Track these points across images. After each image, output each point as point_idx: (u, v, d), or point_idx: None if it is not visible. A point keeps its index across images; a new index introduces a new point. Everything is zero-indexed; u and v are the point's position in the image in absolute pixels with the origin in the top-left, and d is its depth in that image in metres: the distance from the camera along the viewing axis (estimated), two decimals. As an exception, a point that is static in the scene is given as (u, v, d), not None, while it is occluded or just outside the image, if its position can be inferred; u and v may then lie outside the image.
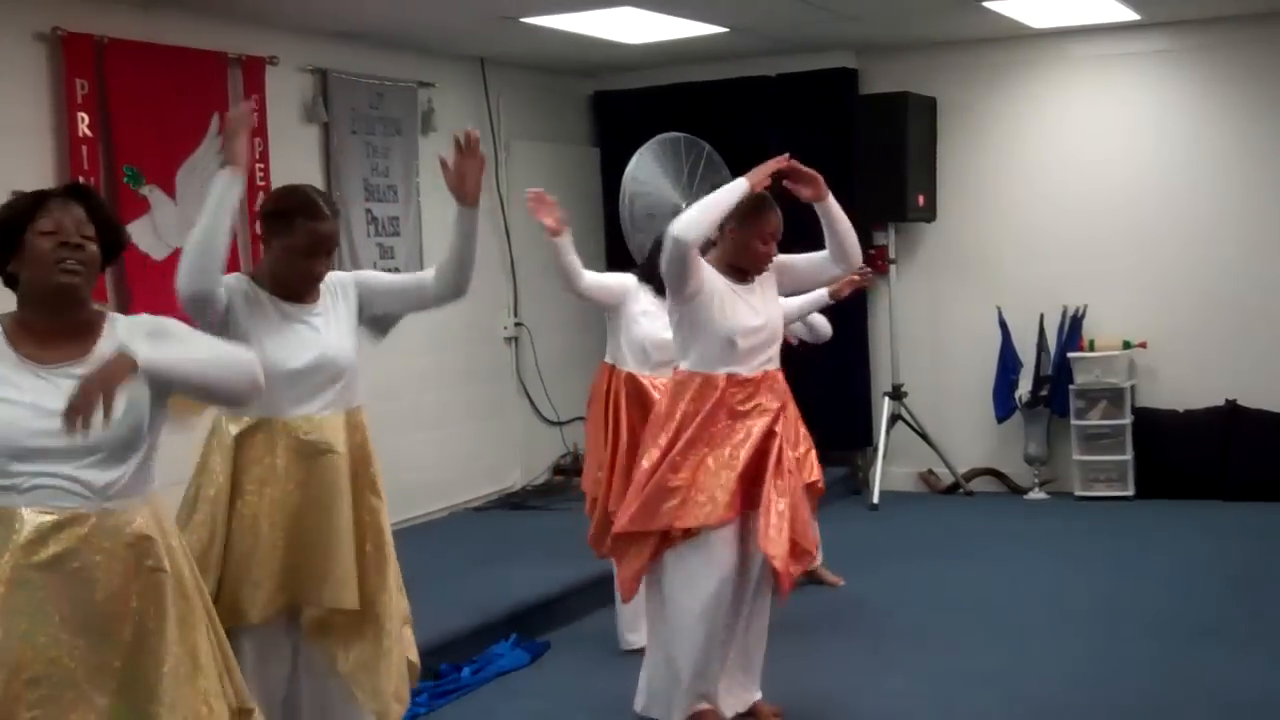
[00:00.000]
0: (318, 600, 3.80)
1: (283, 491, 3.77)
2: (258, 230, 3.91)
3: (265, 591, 3.75)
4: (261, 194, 7.18)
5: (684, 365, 4.76)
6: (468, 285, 4.28)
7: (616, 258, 9.37)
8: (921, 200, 9.08)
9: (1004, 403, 9.02)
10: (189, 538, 3.54)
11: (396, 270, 8.18)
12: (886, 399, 9.13)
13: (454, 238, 4.24)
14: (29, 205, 3.03)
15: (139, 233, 6.56)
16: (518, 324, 9.22)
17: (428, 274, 4.26)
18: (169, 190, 6.73)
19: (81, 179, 6.20)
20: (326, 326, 3.92)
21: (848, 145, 9.05)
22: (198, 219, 3.72)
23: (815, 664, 5.62)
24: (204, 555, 3.67)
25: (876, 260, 9.39)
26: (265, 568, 3.75)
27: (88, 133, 6.30)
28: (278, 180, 7.27)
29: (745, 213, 4.73)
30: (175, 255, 6.57)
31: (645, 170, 8.35)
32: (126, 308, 6.46)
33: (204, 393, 3.16)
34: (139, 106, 6.56)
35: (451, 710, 5.33)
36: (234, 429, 3.81)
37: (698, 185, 8.51)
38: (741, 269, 4.82)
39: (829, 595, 6.67)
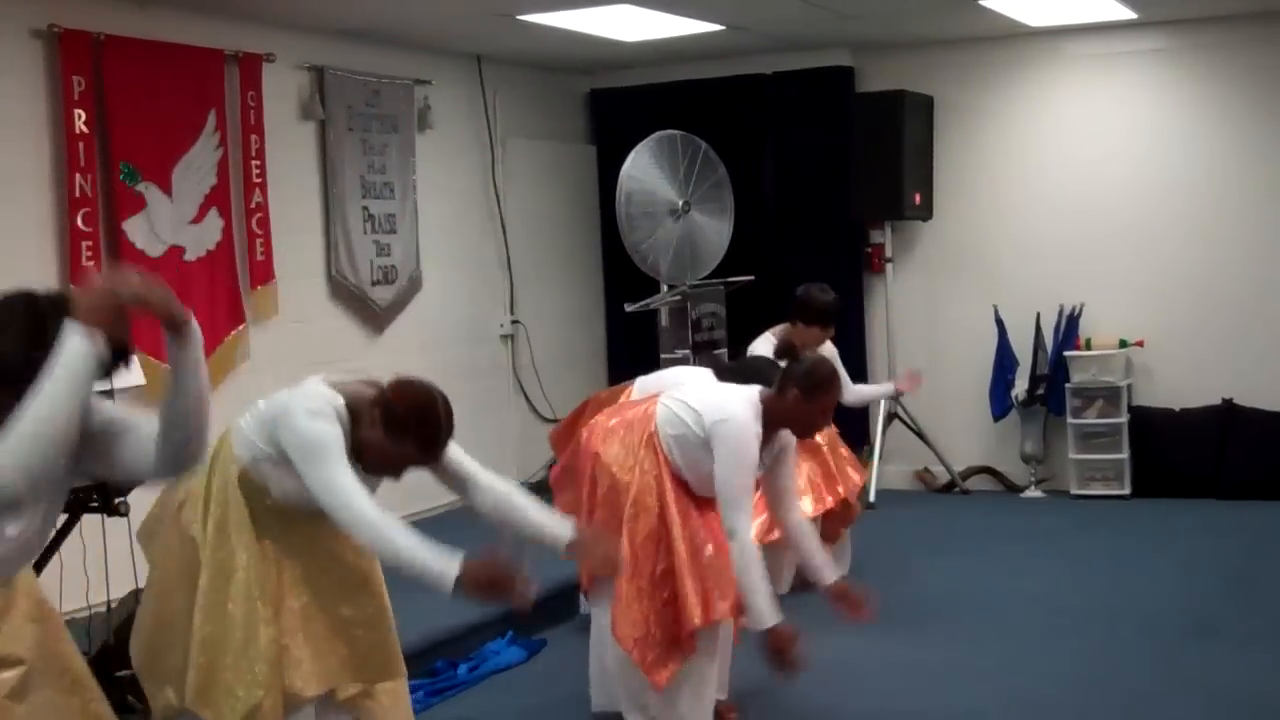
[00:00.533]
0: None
1: None
2: (375, 414, 3.53)
3: None
4: (258, 192, 7.20)
5: None
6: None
7: (612, 256, 9.39)
8: (918, 199, 9.07)
9: (1000, 401, 9.02)
10: None
11: (393, 269, 8.19)
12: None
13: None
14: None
15: (135, 229, 6.58)
16: (514, 321, 9.21)
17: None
18: (165, 187, 6.73)
19: (77, 176, 6.23)
20: None
21: (844, 143, 9.06)
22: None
23: (810, 661, 5.61)
24: None
25: (872, 259, 9.42)
26: None
27: (84, 129, 6.29)
28: (274, 178, 7.29)
29: (815, 386, 4.55)
30: (170, 251, 6.72)
31: (642, 168, 8.37)
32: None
33: None
34: (135, 103, 6.56)
35: (447, 708, 5.33)
36: None
37: (694, 183, 8.53)
38: (778, 429, 4.66)
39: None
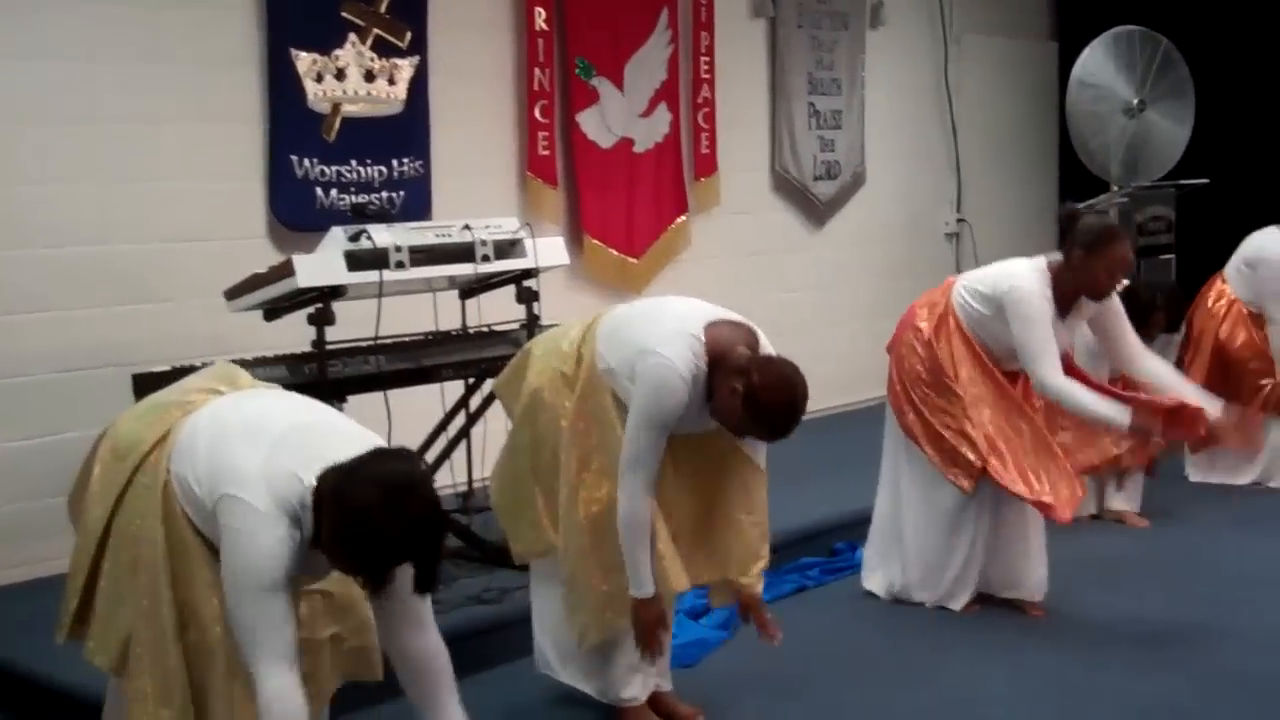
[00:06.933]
0: None
1: None
2: (739, 385, 3.58)
3: None
4: (705, 87, 7.51)
5: None
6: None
7: (1067, 157, 9.20)
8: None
9: None
10: None
11: (836, 164, 8.36)
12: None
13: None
14: (378, 566, 2.80)
15: (588, 121, 7.01)
16: (960, 220, 9.21)
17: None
18: (617, 81, 7.11)
19: (537, 70, 6.69)
20: None
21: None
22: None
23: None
24: None
25: None
26: None
27: (544, 27, 6.73)
28: (721, 74, 7.57)
29: (1095, 241, 4.55)
30: (621, 143, 7.12)
31: (1096, 63, 8.18)
32: (575, 192, 6.93)
33: None
34: (592, 1, 6.95)
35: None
36: None
37: (1152, 81, 8.24)
38: (1074, 296, 4.68)
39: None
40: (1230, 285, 6.74)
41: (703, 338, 3.65)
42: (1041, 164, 9.79)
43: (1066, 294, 4.67)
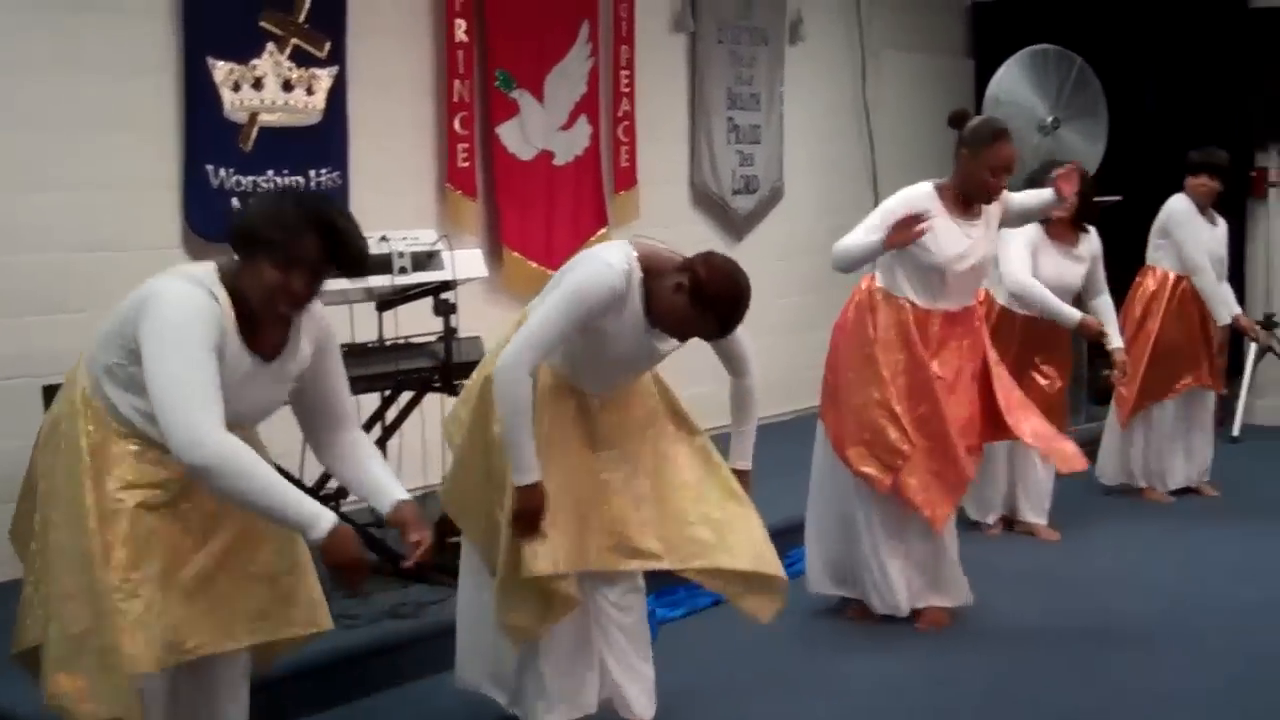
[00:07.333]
0: None
1: None
2: (684, 281, 3.64)
3: None
4: (625, 100, 7.53)
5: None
6: None
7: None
8: (1311, 121, 8.64)
9: (1389, 340, 8.53)
10: None
11: (755, 179, 8.41)
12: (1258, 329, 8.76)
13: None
14: (279, 233, 3.03)
15: (508, 133, 6.98)
16: (877, 235, 9.26)
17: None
18: (538, 95, 7.10)
19: (457, 82, 6.67)
20: None
21: (1234, 62, 8.71)
22: None
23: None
24: None
25: (1256, 183, 9.01)
26: None
27: (464, 38, 6.71)
28: (642, 88, 7.58)
29: (977, 140, 4.75)
30: (540, 155, 7.11)
31: (1011, 81, 8.27)
32: (494, 205, 6.92)
33: None
34: (513, 13, 6.92)
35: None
36: None
37: (1066, 99, 8.35)
38: (968, 200, 4.88)
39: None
40: (1160, 265, 7.05)
41: (635, 250, 3.71)
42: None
43: (958, 198, 4.87)
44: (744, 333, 3.93)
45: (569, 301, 3.61)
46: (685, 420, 4.06)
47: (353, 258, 3.11)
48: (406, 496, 3.28)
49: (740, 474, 4.05)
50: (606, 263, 3.65)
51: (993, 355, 5.12)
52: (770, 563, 3.91)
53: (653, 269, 3.69)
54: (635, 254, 3.69)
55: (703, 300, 3.61)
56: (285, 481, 3.01)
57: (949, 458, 4.91)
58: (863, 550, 5.05)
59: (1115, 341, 6.16)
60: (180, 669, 3.16)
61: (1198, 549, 6.20)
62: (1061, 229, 6.23)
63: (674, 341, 3.80)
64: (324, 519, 2.98)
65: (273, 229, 3.03)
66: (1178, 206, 6.98)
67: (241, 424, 3.09)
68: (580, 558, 3.81)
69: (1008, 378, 5.16)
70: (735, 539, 3.90)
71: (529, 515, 3.68)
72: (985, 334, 5.17)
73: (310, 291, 3.08)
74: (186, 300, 2.97)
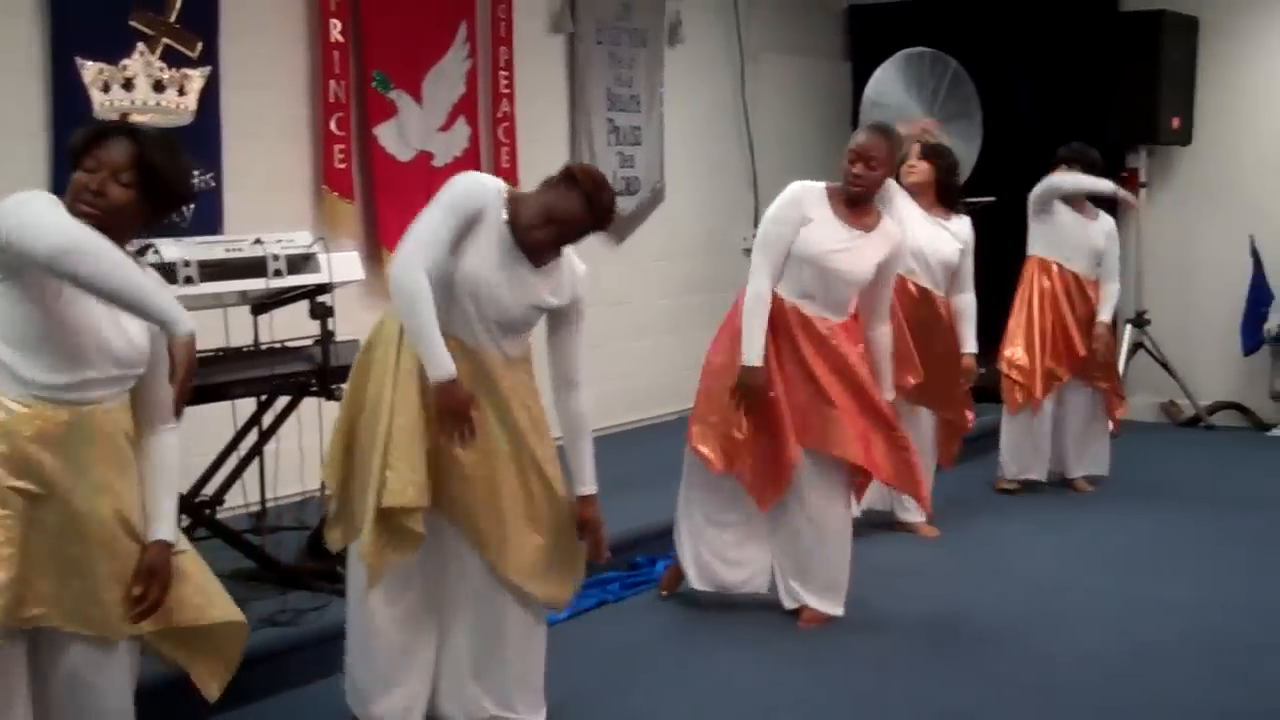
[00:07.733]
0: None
1: None
2: (550, 179, 3.93)
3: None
4: (505, 102, 7.49)
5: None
6: None
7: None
8: (1176, 123, 8.84)
9: (1251, 336, 8.75)
10: None
11: (636, 180, 8.42)
12: (1129, 326, 8.95)
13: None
14: (88, 138, 3.15)
15: (386, 134, 6.91)
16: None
17: None
18: (415, 95, 7.03)
19: (332, 83, 6.59)
20: None
21: (1102, 64, 8.89)
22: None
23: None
24: None
25: (1126, 184, 9.18)
26: None
27: (339, 38, 6.62)
28: (521, 89, 7.55)
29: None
30: (419, 157, 7.05)
31: (887, 84, 8.35)
32: (373, 206, 6.85)
33: None
34: (389, 13, 6.86)
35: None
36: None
37: (942, 102, 8.46)
38: (850, 201, 5.11)
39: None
40: (1042, 252, 7.30)
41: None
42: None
43: (846, 201, 5.10)
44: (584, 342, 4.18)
45: (448, 202, 3.81)
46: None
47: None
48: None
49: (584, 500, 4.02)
50: (478, 176, 3.95)
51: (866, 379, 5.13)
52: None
53: (521, 197, 3.91)
54: (505, 189, 3.91)
55: (569, 178, 3.87)
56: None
57: (779, 447, 5.01)
58: (681, 523, 5.26)
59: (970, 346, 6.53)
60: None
61: (1074, 543, 6.32)
62: (928, 203, 6.47)
63: (546, 283, 3.95)
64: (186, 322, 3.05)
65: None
66: (1047, 179, 7.30)
67: None
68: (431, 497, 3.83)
69: (886, 408, 5.18)
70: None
71: (460, 407, 3.69)
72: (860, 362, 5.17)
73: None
74: None
